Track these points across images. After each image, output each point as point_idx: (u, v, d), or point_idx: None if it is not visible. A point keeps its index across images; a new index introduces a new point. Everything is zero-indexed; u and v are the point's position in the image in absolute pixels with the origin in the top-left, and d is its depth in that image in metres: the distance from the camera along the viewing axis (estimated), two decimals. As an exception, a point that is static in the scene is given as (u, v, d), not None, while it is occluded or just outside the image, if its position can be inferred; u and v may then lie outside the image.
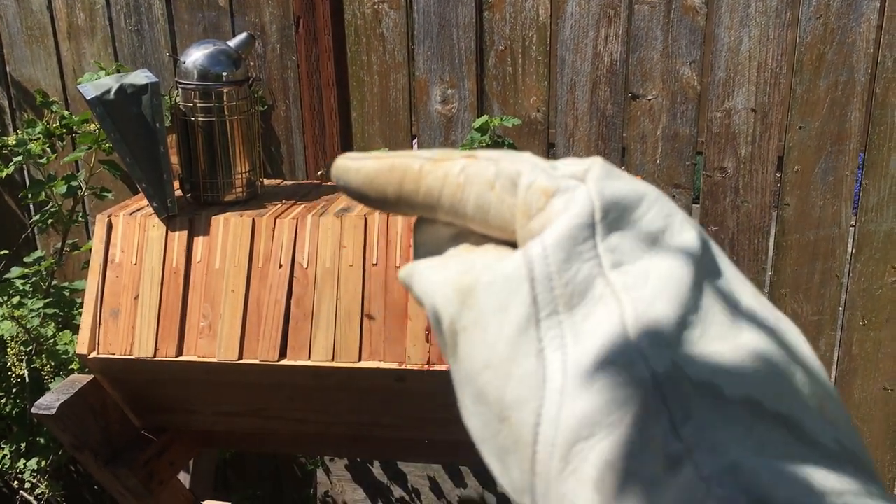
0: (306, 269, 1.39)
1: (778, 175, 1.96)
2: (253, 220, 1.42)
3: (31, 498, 2.18)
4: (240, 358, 1.39)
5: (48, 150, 2.01)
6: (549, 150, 2.06)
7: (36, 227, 1.92)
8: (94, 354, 1.42)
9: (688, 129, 1.96)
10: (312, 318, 1.38)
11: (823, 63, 1.85)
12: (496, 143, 1.83)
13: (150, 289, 1.42)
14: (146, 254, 1.44)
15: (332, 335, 1.37)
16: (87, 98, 1.35)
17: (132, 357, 1.41)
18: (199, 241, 1.44)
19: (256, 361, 1.39)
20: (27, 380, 1.90)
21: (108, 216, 1.46)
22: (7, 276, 1.92)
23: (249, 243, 1.42)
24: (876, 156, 1.89)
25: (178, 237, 1.44)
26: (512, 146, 1.87)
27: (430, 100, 2.08)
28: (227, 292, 1.41)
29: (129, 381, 1.48)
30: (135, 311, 1.43)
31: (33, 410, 1.39)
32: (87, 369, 1.51)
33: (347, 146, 2.15)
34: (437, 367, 1.34)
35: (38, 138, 2.01)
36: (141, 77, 1.41)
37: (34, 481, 2.09)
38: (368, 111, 2.13)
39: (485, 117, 1.84)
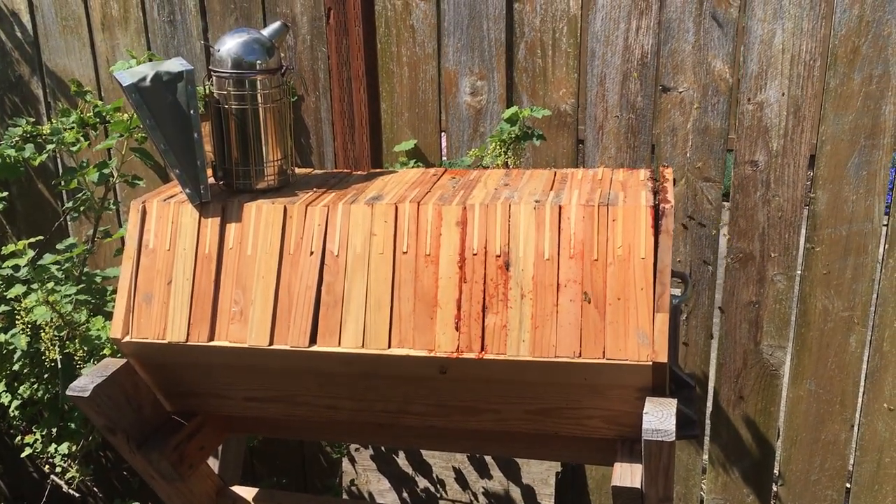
0: (337, 256, 1.40)
1: (810, 171, 1.94)
2: (285, 207, 1.43)
3: (61, 482, 2.21)
4: (271, 343, 1.40)
5: (81, 138, 2.03)
6: (578, 144, 2.06)
7: (69, 215, 1.94)
8: (127, 338, 1.44)
9: (719, 122, 1.95)
10: (343, 304, 1.39)
11: (858, 56, 1.83)
12: (525, 135, 1.83)
13: (183, 274, 1.44)
14: (179, 240, 1.45)
15: (362, 322, 1.38)
16: (124, 85, 1.37)
17: (164, 341, 1.43)
18: (232, 228, 1.45)
19: (287, 347, 1.40)
20: (59, 365, 1.93)
21: (143, 202, 1.48)
22: (40, 262, 1.95)
23: (281, 230, 1.43)
24: (910, 150, 1.87)
25: (211, 223, 1.45)
26: (541, 137, 1.87)
27: (459, 91, 2.08)
28: (259, 278, 1.42)
29: (160, 366, 1.49)
30: (168, 296, 1.44)
31: (68, 392, 1.41)
32: (119, 354, 1.52)
33: (376, 137, 2.16)
34: (466, 356, 1.34)
35: (72, 127, 2.03)
36: (176, 65, 1.42)
37: (64, 466, 2.12)
38: (398, 103, 2.14)
39: (514, 108, 1.84)
